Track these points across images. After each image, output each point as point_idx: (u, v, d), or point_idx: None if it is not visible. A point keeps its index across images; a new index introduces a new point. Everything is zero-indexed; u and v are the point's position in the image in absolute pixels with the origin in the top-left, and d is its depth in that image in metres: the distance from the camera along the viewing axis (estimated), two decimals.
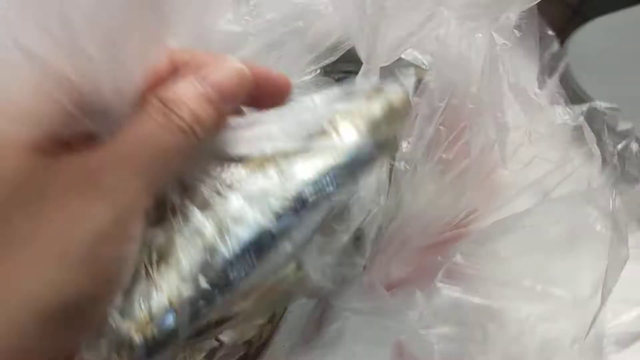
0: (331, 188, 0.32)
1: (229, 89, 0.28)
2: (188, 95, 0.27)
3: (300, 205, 0.32)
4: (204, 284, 0.30)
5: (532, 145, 0.39)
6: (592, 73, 0.43)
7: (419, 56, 0.48)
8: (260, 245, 0.31)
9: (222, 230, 0.30)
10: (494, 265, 0.38)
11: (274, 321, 0.43)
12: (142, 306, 0.29)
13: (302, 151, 0.33)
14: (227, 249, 0.30)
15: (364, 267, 0.45)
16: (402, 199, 0.42)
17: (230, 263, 0.30)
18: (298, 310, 0.44)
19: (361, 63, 0.46)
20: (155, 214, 0.30)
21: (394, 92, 0.36)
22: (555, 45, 0.43)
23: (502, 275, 0.38)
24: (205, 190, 0.31)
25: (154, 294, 0.29)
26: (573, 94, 0.44)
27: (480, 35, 0.36)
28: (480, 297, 0.38)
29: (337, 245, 0.35)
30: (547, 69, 0.41)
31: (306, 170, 0.32)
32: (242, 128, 0.33)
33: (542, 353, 0.36)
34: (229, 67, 0.29)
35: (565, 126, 0.39)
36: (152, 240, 0.30)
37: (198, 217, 0.31)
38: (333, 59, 0.45)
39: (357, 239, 0.40)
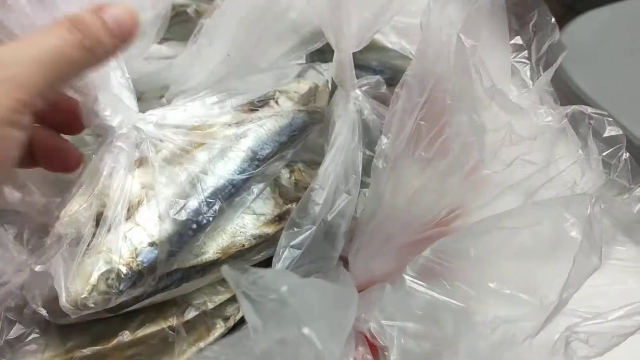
0: (277, 145, 0.41)
1: (123, 23, 0.33)
2: (93, 21, 0.32)
3: (256, 160, 0.40)
4: (179, 223, 0.36)
5: (514, 146, 0.38)
6: (584, 66, 0.41)
7: (407, 46, 0.47)
8: (226, 193, 0.38)
9: (193, 179, 0.38)
10: (465, 264, 0.37)
11: None
12: (127, 242, 0.35)
13: (252, 119, 0.41)
14: (199, 194, 0.38)
15: (347, 264, 0.45)
16: (382, 196, 0.41)
17: (200, 206, 0.37)
18: None
19: None
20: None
21: (316, 78, 0.47)
22: (556, 35, 0.41)
23: (472, 275, 0.37)
24: (176, 149, 0.38)
25: (137, 232, 0.35)
26: (565, 87, 0.42)
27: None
28: (447, 295, 0.37)
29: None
30: (542, 61, 0.39)
31: (257, 132, 0.41)
32: (204, 102, 0.42)
33: (499, 348, 0.35)
34: (125, 8, 0.33)
35: (548, 128, 0.38)
36: (130, 189, 0.36)
37: (172, 168, 0.38)
38: (319, 45, 0.45)
39: (327, 231, 0.39)
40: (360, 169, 0.41)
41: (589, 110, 0.38)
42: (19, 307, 0.36)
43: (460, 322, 0.36)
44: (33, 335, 0.37)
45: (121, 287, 0.34)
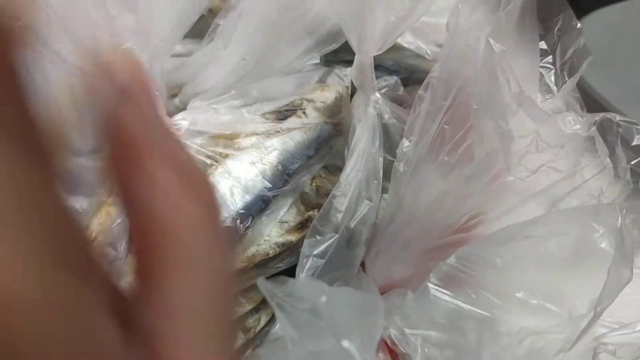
0: (305, 159, 0.40)
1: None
2: None
3: (285, 174, 0.39)
4: None
5: (540, 154, 0.37)
6: (595, 66, 0.40)
7: (423, 45, 0.46)
8: (257, 208, 0.38)
9: (226, 193, 0.37)
10: (490, 273, 0.36)
11: (269, 307, 0.42)
12: None
13: (281, 130, 0.41)
14: (231, 208, 0.37)
15: (364, 267, 0.44)
16: (403, 201, 0.40)
17: (233, 221, 0.37)
18: None
19: None
20: None
21: (336, 85, 0.46)
22: (581, 40, 0.40)
23: (497, 284, 0.36)
24: (206, 158, 0.38)
25: None
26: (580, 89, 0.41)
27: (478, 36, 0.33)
28: (471, 304, 0.36)
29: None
30: (567, 66, 0.38)
31: (286, 145, 0.40)
32: (228, 105, 0.41)
33: None
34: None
35: (576, 136, 0.37)
36: None
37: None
38: (335, 46, 0.44)
39: (350, 239, 0.38)
40: (381, 174, 0.40)
41: (618, 118, 0.37)
42: None
43: (484, 332, 0.35)
44: None
45: None
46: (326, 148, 0.42)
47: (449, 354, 0.36)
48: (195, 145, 0.38)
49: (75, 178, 0.41)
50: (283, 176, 0.39)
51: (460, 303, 0.35)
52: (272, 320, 0.42)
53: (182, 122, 0.38)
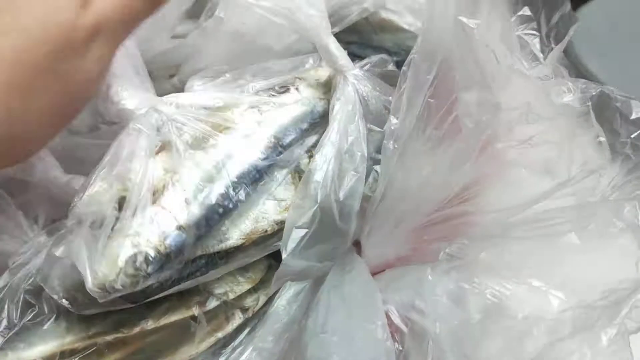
0: (299, 132, 0.40)
1: None
2: None
3: (279, 146, 0.39)
4: (206, 207, 0.35)
5: (531, 125, 0.36)
6: (597, 51, 0.39)
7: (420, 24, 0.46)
8: (251, 178, 0.37)
9: (218, 164, 0.37)
10: (501, 256, 0.36)
11: (267, 287, 0.42)
12: (155, 226, 0.34)
13: (273, 104, 0.40)
14: (224, 178, 0.36)
15: (358, 245, 0.44)
16: (394, 178, 0.40)
17: (226, 190, 0.36)
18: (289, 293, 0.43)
19: (365, 34, 0.44)
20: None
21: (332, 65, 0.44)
22: (567, 6, 0.39)
23: (508, 269, 0.36)
24: (199, 132, 0.37)
25: (164, 216, 0.34)
26: (575, 71, 0.40)
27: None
28: (480, 287, 0.36)
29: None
30: (553, 33, 0.37)
31: (280, 120, 0.40)
32: (224, 84, 0.41)
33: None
34: None
35: (568, 107, 0.36)
36: (153, 173, 0.35)
37: (195, 152, 0.37)
38: (337, 29, 0.44)
39: (341, 211, 0.38)
40: (365, 146, 0.39)
41: (616, 92, 0.36)
42: (38, 290, 0.36)
43: (490, 315, 0.35)
44: (53, 319, 0.36)
45: (149, 269, 0.33)
46: (322, 123, 0.41)
47: (446, 331, 0.36)
48: (187, 120, 0.38)
49: (74, 156, 0.43)
50: (277, 148, 0.39)
51: (465, 285, 0.35)
52: (270, 300, 0.42)
53: (170, 98, 0.39)
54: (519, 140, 0.36)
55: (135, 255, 0.33)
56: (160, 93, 0.46)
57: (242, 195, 0.37)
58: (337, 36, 0.47)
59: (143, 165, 0.35)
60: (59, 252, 0.34)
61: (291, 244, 0.36)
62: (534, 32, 0.38)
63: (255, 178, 0.38)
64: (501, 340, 0.34)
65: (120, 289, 0.33)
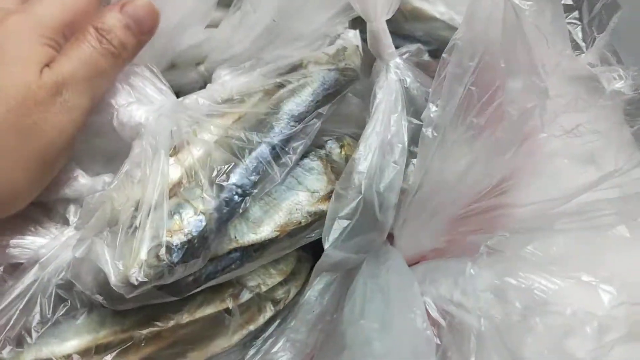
0: (312, 104, 0.39)
1: (144, 21, 0.35)
2: (116, 25, 0.34)
3: (292, 121, 0.38)
4: (223, 189, 0.35)
5: (578, 113, 0.35)
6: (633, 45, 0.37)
7: (455, 17, 0.44)
8: (267, 155, 0.36)
9: (233, 148, 0.36)
10: (547, 249, 0.35)
11: (298, 279, 0.42)
12: (174, 217, 0.33)
13: (283, 84, 0.40)
14: (242, 162, 0.36)
15: (392, 236, 0.43)
16: (431, 167, 0.39)
17: (243, 170, 0.36)
18: (320, 284, 0.42)
19: (395, 22, 0.43)
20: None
21: (343, 42, 0.44)
22: None
23: (554, 262, 0.35)
24: (213, 129, 0.37)
25: (182, 206, 0.34)
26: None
27: None
28: (526, 282, 0.35)
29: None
30: (595, 21, 0.36)
31: (290, 98, 0.39)
32: (246, 73, 0.41)
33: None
34: (142, 3, 0.35)
35: (618, 94, 0.34)
36: (169, 172, 0.35)
37: (212, 145, 0.36)
38: None
39: (381, 204, 0.37)
40: (406, 138, 0.38)
41: None
42: (69, 284, 0.35)
43: (536, 310, 0.34)
44: (85, 314, 0.36)
45: (173, 258, 0.32)
46: (337, 94, 0.41)
47: (490, 327, 0.35)
48: (201, 115, 0.37)
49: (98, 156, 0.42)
50: (290, 122, 0.38)
51: (511, 280, 0.34)
52: (301, 291, 0.42)
53: (185, 100, 0.38)
54: (564, 130, 0.35)
55: (157, 246, 0.32)
56: (186, 82, 0.46)
57: (260, 173, 0.36)
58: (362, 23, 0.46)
59: (160, 166, 0.35)
60: (78, 253, 0.33)
61: (333, 235, 0.36)
62: (576, 21, 0.37)
63: (273, 155, 0.37)
64: (548, 336, 0.33)
65: (145, 281, 0.32)
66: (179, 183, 0.35)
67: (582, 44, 0.37)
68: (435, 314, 0.38)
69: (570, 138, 0.35)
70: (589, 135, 0.35)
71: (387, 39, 0.39)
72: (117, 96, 0.37)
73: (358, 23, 0.44)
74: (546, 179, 0.37)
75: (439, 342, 0.37)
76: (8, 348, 0.34)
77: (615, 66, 0.33)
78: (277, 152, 0.37)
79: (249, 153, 0.36)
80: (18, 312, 0.35)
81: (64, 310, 0.36)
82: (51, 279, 0.36)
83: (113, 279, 0.32)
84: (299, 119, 0.38)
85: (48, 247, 0.36)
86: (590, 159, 0.36)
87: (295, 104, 0.38)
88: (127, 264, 0.32)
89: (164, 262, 0.32)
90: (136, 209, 0.34)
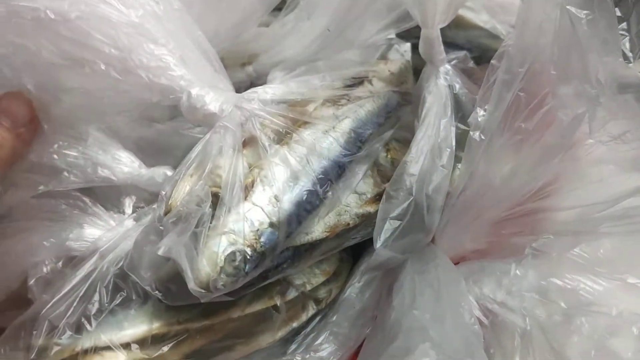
0: (376, 126, 0.39)
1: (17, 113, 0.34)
2: None
3: (358, 142, 0.39)
4: (296, 204, 0.35)
5: (626, 120, 0.35)
6: None
7: (498, 25, 0.45)
8: (335, 174, 0.37)
9: (302, 160, 0.36)
10: (593, 252, 0.35)
11: (339, 279, 0.43)
12: (249, 223, 0.34)
13: (346, 97, 0.40)
14: (310, 175, 0.36)
15: (433, 237, 0.44)
16: (476, 170, 0.39)
17: (313, 186, 0.36)
18: (361, 282, 0.43)
19: None
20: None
21: (400, 59, 0.46)
22: None
23: (600, 264, 0.35)
24: (280, 127, 0.38)
25: (256, 213, 0.34)
26: None
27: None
28: (572, 283, 0.35)
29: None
30: None
31: (357, 113, 0.40)
32: (301, 76, 0.41)
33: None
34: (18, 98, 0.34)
35: None
36: (241, 169, 0.35)
37: (279, 148, 0.37)
38: (413, 24, 0.43)
39: (429, 206, 0.38)
40: (454, 143, 0.39)
41: None
42: (126, 274, 0.36)
43: (582, 311, 0.34)
44: (140, 304, 0.36)
45: (247, 268, 0.33)
46: (395, 116, 0.42)
47: (535, 327, 0.35)
48: (268, 115, 0.38)
49: (155, 145, 0.43)
50: (356, 143, 0.38)
51: (557, 281, 0.34)
52: (341, 292, 0.42)
53: (250, 94, 0.38)
54: (612, 136, 0.35)
55: (233, 253, 0.33)
56: (234, 82, 0.46)
57: (328, 191, 0.37)
58: (410, 30, 0.47)
59: (233, 163, 0.35)
60: (161, 251, 0.33)
61: (385, 235, 0.36)
62: (624, 32, 0.38)
63: (338, 174, 0.38)
64: (593, 336, 0.33)
65: (221, 288, 0.32)
66: (250, 183, 0.35)
67: (630, 55, 0.38)
68: (478, 312, 0.38)
69: (617, 144, 0.35)
70: (636, 142, 0.35)
71: (439, 46, 0.40)
72: (192, 78, 0.37)
73: (402, 35, 0.45)
74: (591, 183, 0.37)
75: (482, 340, 0.37)
76: (68, 334, 0.35)
77: None
78: (342, 172, 0.37)
79: (318, 167, 0.36)
80: (78, 299, 0.35)
81: (120, 299, 0.36)
82: (110, 268, 0.36)
83: (192, 284, 0.32)
84: (364, 139, 0.39)
85: (107, 237, 0.37)
86: (636, 166, 0.36)
87: (361, 123, 0.39)
88: (207, 269, 0.32)
89: (240, 271, 0.33)
90: (213, 207, 0.34)
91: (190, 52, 0.37)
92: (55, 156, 0.37)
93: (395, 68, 0.45)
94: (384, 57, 0.47)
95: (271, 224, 0.34)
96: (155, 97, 0.36)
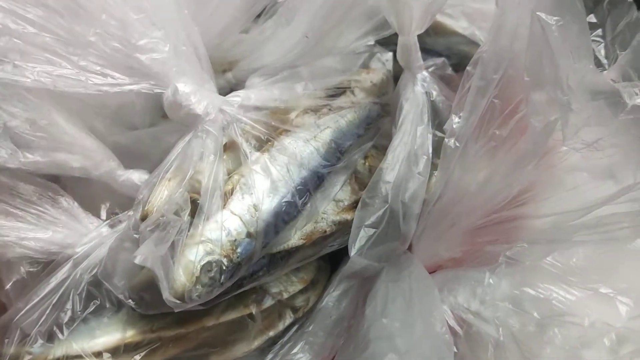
0: (356, 138, 0.39)
1: None
2: None
3: (338, 152, 0.38)
4: (274, 214, 0.35)
5: (599, 127, 0.35)
6: None
7: (477, 32, 0.45)
8: (314, 184, 0.37)
9: (283, 169, 0.36)
10: (566, 261, 0.35)
11: (317, 288, 0.42)
12: (226, 233, 0.34)
13: (328, 107, 0.40)
14: (289, 185, 0.36)
15: (410, 245, 0.43)
16: (451, 177, 0.39)
17: (292, 197, 0.36)
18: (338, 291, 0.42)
19: (418, 36, 0.43)
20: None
21: (382, 69, 0.46)
22: (633, 12, 0.38)
23: (573, 273, 0.35)
24: (261, 134, 0.37)
25: (234, 222, 0.34)
26: None
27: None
28: (545, 292, 0.35)
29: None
30: (618, 39, 0.36)
31: (338, 123, 0.39)
32: (281, 82, 0.40)
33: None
34: None
35: (638, 110, 0.34)
36: (223, 179, 0.35)
37: (260, 156, 0.36)
38: (391, 32, 0.43)
39: (405, 213, 0.38)
40: (431, 150, 0.39)
41: None
42: (100, 281, 0.35)
43: (555, 321, 0.34)
44: (113, 313, 0.36)
45: (222, 279, 0.33)
46: (375, 128, 0.41)
47: (508, 337, 0.35)
48: (250, 121, 0.37)
49: (133, 150, 0.42)
50: (336, 153, 0.38)
51: (530, 290, 0.34)
52: (318, 299, 0.42)
53: (233, 99, 0.38)
54: (585, 143, 0.35)
55: (210, 263, 0.33)
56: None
57: (306, 202, 0.36)
58: (390, 37, 0.46)
59: (214, 169, 0.35)
60: (137, 260, 0.33)
61: (359, 243, 0.36)
62: (599, 39, 0.37)
63: (317, 185, 0.37)
64: (565, 347, 0.33)
65: (196, 299, 0.32)
66: (230, 191, 0.35)
67: (605, 61, 0.37)
68: (452, 322, 0.38)
69: (590, 151, 0.35)
70: (609, 149, 0.35)
71: (416, 53, 0.40)
72: (179, 73, 0.36)
73: (382, 42, 0.45)
74: (565, 191, 0.37)
75: (455, 350, 0.37)
76: (39, 342, 0.35)
77: (636, 82, 0.34)
78: (321, 182, 0.37)
79: (298, 177, 0.36)
80: (51, 307, 0.35)
81: (93, 307, 0.36)
82: (83, 276, 0.36)
83: (167, 294, 0.32)
84: (344, 150, 0.39)
85: (81, 243, 0.37)
86: (609, 173, 0.36)
87: (341, 134, 0.39)
88: (183, 279, 0.32)
89: (216, 282, 0.33)
90: (190, 214, 0.34)
91: (183, 45, 0.37)
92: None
93: (378, 79, 0.45)
94: (365, 66, 0.47)
95: (249, 234, 0.34)
96: (140, 83, 0.36)
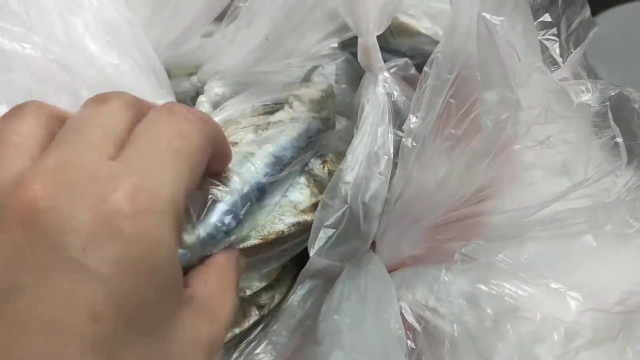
0: (296, 150, 0.39)
1: None
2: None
3: (278, 165, 0.38)
4: (210, 226, 0.33)
5: (549, 124, 0.35)
6: (609, 59, 0.38)
7: (440, 32, 0.45)
8: (253, 195, 0.36)
9: (222, 182, 0.35)
10: (518, 257, 0.35)
11: (282, 286, 0.42)
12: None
13: (272, 123, 0.40)
14: (226, 200, 0.35)
15: (374, 244, 0.43)
16: (410, 176, 0.39)
17: (230, 207, 0.34)
18: (303, 290, 0.42)
19: (382, 37, 0.43)
20: None
21: (322, 83, 0.46)
22: (586, 11, 0.39)
23: (524, 269, 0.35)
24: None
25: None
26: (593, 76, 0.39)
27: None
28: (497, 289, 0.35)
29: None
30: (572, 37, 0.37)
31: (278, 139, 0.39)
32: (228, 88, 0.42)
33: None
34: None
35: (586, 106, 0.35)
36: None
37: None
38: (352, 34, 0.43)
39: (365, 213, 0.38)
40: (392, 150, 0.39)
41: (634, 93, 0.35)
42: None
43: (507, 316, 0.34)
44: None
45: None
46: (315, 142, 0.41)
47: (463, 333, 0.35)
48: None
49: None
50: (276, 166, 0.38)
51: (482, 286, 0.34)
52: (284, 298, 0.42)
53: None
54: (537, 141, 0.35)
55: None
56: (180, 91, 0.46)
57: (246, 211, 0.35)
58: (354, 39, 0.47)
59: None
60: None
61: (319, 243, 0.36)
62: (554, 37, 0.38)
63: (256, 196, 0.36)
64: (518, 342, 0.33)
65: None
66: None
67: (559, 60, 0.38)
68: (411, 318, 0.38)
69: (543, 149, 0.35)
70: (561, 146, 0.35)
71: (376, 53, 0.40)
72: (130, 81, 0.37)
73: (347, 43, 0.45)
74: (522, 188, 0.38)
75: (414, 346, 0.37)
76: None
77: (583, 79, 0.34)
78: (261, 194, 0.36)
79: (235, 189, 0.35)
80: None
81: None
82: None
83: None
84: (285, 162, 0.38)
85: None
86: (563, 170, 0.36)
87: (281, 147, 0.39)
88: None
89: None
90: None
91: (136, 65, 0.37)
92: None
93: (317, 94, 0.45)
94: (307, 80, 0.47)
95: (184, 247, 0.32)
96: None
